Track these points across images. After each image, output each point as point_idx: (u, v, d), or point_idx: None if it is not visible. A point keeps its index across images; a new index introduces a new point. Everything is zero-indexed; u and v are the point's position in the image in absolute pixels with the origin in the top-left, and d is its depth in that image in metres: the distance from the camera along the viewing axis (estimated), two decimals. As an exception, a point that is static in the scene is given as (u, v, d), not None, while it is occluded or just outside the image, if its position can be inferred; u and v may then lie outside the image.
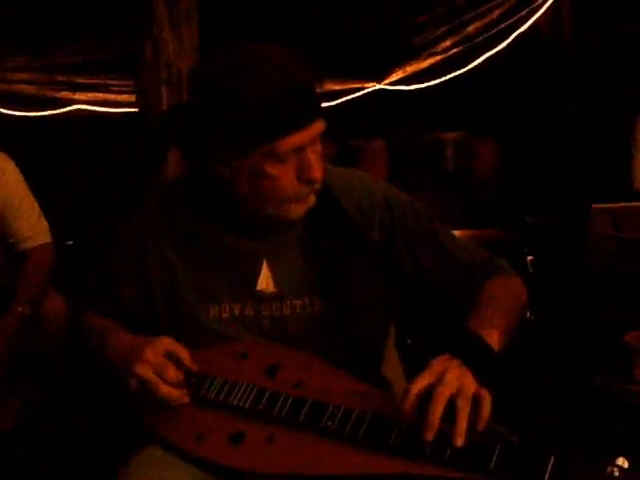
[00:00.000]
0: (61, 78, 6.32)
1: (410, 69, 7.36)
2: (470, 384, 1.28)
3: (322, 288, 1.62)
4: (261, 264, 1.64)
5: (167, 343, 1.51)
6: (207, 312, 1.62)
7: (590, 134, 5.13)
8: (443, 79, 7.06)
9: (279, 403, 1.43)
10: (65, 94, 6.54)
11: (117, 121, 6.58)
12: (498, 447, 1.22)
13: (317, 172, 1.52)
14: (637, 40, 5.26)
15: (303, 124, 1.48)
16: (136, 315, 1.67)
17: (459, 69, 6.91)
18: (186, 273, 1.64)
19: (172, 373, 1.48)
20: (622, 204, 3.10)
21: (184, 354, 1.51)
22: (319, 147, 1.55)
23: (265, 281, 1.63)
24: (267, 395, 1.45)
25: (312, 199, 1.57)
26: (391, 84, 7.50)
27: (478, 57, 6.75)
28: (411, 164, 6.88)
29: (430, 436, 1.24)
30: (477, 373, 1.31)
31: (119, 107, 6.71)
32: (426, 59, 7.16)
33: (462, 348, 1.36)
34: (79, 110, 6.65)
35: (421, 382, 1.29)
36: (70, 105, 6.61)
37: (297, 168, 1.51)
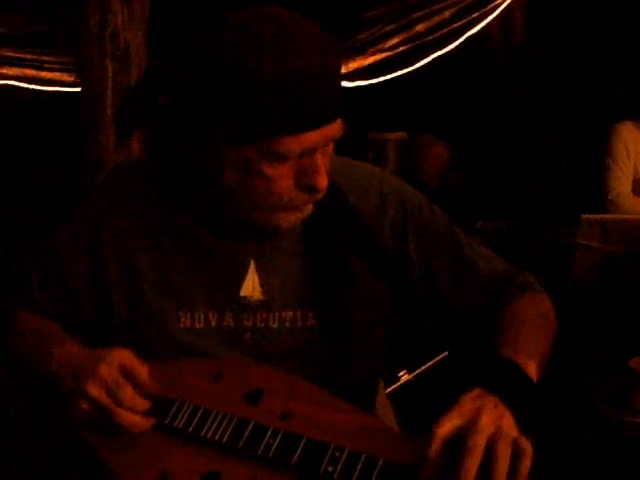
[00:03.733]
0: (-12, 50, 5.91)
1: (353, 65, 7.16)
2: (510, 429, 1.04)
3: (319, 300, 1.37)
4: (247, 266, 1.37)
5: (121, 356, 1.24)
6: (177, 320, 1.36)
7: (543, 139, 4.99)
8: (388, 77, 6.88)
9: (265, 439, 1.17)
10: (-9, 68, 6.13)
11: (48, 100, 6.24)
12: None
13: (322, 180, 1.23)
14: (586, 53, 5.17)
15: (320, 123, 1.19)
16: (89, 319, 1.39)
17: (405, 68, 6.74)
18: (152, 272, 1.37)
19: (131, 394, 1.21)
20: (613, 215, 2.94)
21: (141, 371, 1.24)
22: (330, 150, 1.27)
23: (251, 286, 1.37)
24: (250, 428, 1.19)
25: (309, 208, 1.30)
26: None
27: (426, 56, 6.59)
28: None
29: None
30: (517, 413, 1.07)
31: (51, 85, 6.35)
32: (371, 56, 6.97)
33: (497, 380, 1.12)
34: (6, 86, 6.27)
35: (449, 425, 1.05)
36: (-4, 80, 6.22)
37: (298, 171, 1.23)
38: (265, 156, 1.19)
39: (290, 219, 1.29)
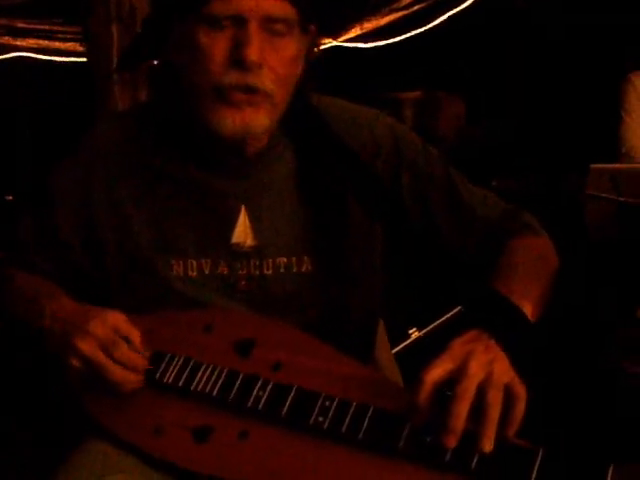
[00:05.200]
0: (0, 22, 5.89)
1: (369, 25, 7.08)
2: (502, 373, 1.02)
3: (314, 245, 1.35)
4: (238, 211, 1.35)
5: (117, 319, 1.23)
6: (169, 268, 1.35)
7: (562, 94, 4.92)
8: (404, 37, 6.80)
9: (255, 391, 1.16)
10: (5, 40, 6.12)
11: (62, 71, 6.23)
12: (540, 454, 0.97)
13: (251, 52, 1.21)
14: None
15: None
16: (81, 272, 1.39)
17: (421, 27, 6.66)
18: (144, 220, 1.35)
19: (124, 351, 1.20)
20: (623, 165, 2.87)
21: (135, 335, 1.23)
22: (292, 47, 1.27)
23: (243, 232, 1.35)
24: (240, 380, 1.18)
25: (254, 115, 1.25)
26: (348, 41, 7.23)
27: (441, 15, 6.50)
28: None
29: (452, 443, 0.99)
30: (512, 355, 1.05)
31: (64, 56, 6.33)
32: (386, 15, 6.89)
33: (490, 321, 1.10)
34: (21, 57, 6.26)
35: (439, 369, 1.03)
36: (10, 52, 6.21)
37: (233, 45, 1.23)
38: (200, 24, 1.23)
39: (228, 121, 1.25)
